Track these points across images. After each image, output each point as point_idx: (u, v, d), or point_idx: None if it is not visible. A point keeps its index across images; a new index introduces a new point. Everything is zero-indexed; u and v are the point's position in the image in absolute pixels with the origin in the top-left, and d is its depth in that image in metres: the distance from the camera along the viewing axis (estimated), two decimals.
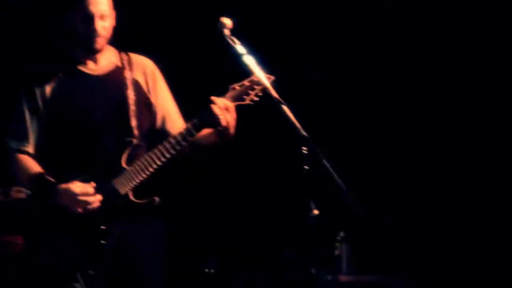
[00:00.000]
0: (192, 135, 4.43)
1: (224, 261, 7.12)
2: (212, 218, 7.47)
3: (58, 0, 4.65)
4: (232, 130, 4.45)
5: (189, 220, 7.19)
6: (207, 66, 6.79)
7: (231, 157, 6.49)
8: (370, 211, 4.35)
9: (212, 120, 4.40)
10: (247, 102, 4.50)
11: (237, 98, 4.50)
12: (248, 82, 4.48)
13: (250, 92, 4.49)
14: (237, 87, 4.51)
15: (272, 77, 4.37)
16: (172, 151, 4.44)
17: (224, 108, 4.41)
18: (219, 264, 7.05)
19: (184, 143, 4.43)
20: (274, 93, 4.20)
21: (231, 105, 4.43)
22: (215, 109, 4.39)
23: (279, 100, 4.16)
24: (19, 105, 4.58)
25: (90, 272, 4.43)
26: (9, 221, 5.95)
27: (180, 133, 4.43)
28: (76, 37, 4.55)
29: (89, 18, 4.47)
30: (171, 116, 4.68)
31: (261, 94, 4.44)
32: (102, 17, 4.49)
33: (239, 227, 7.47)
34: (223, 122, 4.39)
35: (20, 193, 5.99)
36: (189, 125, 4.44)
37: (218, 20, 4.34)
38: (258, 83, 4.41)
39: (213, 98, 4.41)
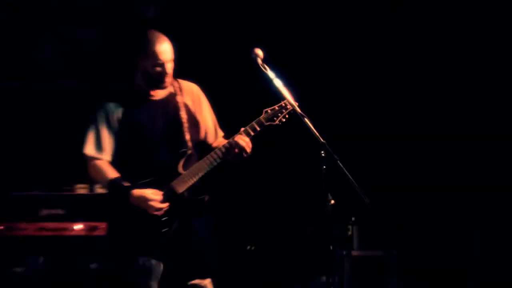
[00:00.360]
0: (222, 157, 4.46)
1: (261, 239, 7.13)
2: (251, 202, 7.34)
3: (136, 49, 4.50)
4: (247, 155, 4.48)
5: (232, 211, 7.08)
6: (245, 86, 6.61)
7: (265, 160, 6.36)
8: (373, 200, 4.17)
9: (233, 153, 4.45)
10: (277, 122, 4.49)
11: (269, 119, 4.50)
12: (278, 107, 4.48)
13: (279, 115, 4.48)
14: (269, 111, 4.51)
15: (296, 103, 4.31)
16: (214, 163, 4.47)
17: (241, 144, 4.43)
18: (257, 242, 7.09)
19: (219, 160, 4.47)
20: (298, 109, 4.23)
21: (247, 139, 4.45)
22: (236, 145, 4.44)
23: (303, 115, 4.18)
24: (97, 121, 4.50)
25: (155, 254, 4.38)
26: (94, 210, 6.04)
27: (215, 152, 4.47)
28: (149, 77, 4.49)
29: (161, 65, 4.45)
30: (211, 132, 4.69)
31: (288, 117, 4.45)
32: (169, 62, 4.49)
33: (271, 213, 7.35)
34: (240, 154, 4.45)
35: (103, 188, 5.97)
36: (221, 148, 4.47)
37: (252, 51, 4.29)
38: (286, 107, 4.45)
39: (236, 139, 4.44)
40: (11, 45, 7.25)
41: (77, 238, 5.97)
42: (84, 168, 4.64)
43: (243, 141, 4.43)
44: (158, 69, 4.44)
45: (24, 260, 5.91)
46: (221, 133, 4.71)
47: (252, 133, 4.46)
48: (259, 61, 4.23)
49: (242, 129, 4.46)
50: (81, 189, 6.15)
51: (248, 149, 4.46)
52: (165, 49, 4.44)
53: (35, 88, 7.31)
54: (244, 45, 4.54)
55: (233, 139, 4.46)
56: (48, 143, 7.10)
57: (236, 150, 4.43)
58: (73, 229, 5.97)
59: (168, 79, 4.51)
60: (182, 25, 6.17)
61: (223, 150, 4.45)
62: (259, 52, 4.24)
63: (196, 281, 4.47)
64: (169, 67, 4.48)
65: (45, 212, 6.01)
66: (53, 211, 6.03)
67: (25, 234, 5.93)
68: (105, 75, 7.11)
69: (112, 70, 7.06)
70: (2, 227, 5.90)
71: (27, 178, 6.52)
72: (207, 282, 4.52)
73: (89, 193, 6.18)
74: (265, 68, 4.22)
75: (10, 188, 6.14)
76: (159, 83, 4.49)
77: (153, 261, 4.37)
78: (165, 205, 4.38)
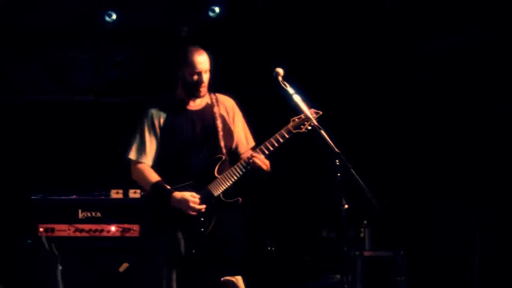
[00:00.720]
0: (242, 171, 4.68)
1: (281, 241, 7.25)
2: (273, 211, 7.56)
3: (177, 60, 4.80)
4: (265, 168, 4.69)
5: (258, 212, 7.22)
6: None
7: (286, 170, 6.51)
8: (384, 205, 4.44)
9: (253, 167, 4.67)
10: (303, 130, 4.68)
11: (296, 127, 4.69)
12: (304, 116, 4.64)
13: (305, 123, 4.67)
14: (296, 119, 4.71)
15: (320, 112, 4.64)
16: (243, 169, 4.70)
17: (257, 163, 4.65)
18: (277, 243, 7.18)
19: (241, 173, 4.69)
20: (315, 122, 4.54)
21: (262, 157, 4.66)
22: (250, 163, 4.67)
23: (319, 127, 4.48)
24: (141, 128, 4.80)
25: (193, 251, 4.61)
26: (128, 213, 6.22)
27: (237, 165, 4.70)
28: (187, 86, 4.79)
29: (198, 74, 4.74)
30: (242, 142, 4.93)
31: (313, 125, 4.57)
32: (205, 72, 4.78)
33: (292, 217, 7.58)
34: (256, 169, 4.68)
35: (135, 194, 6.24)
36: (243, 161, 4.70)
37: (273, 70, 4.58)
38: (307, 118, 4.61)
39: (254, 155, 4.66)
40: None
41: (111, 239, 6.14)
42: (119, 175, 4.94)
43: (258, 159, 4.62)
44: (195, 77, 4.69)
45: (62, 260, 6.05)
46: (252, 143, 4.91)
47: (276, 144, 4.64)
48: (280, 78, 4.52)
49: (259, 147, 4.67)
50: (116, 194, 6.30)
51: (264, 166, 4.65)
52: (201, 59, 4.71)
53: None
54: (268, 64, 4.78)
55: (249, 157, 4.66)
56: (87, 153, 7.42)
57: (250, 165, 4.64)
58: (108, 231, 6.15)
59: (204, 88, 4.76)
60: (215, 42, 6.31)
61: (241, 165, 4.67)
62: (279, 70, 4.53)
63: (228, 278, 4.67)
64: (205, 76, 4.74)
65: (82, 214, 6.17)
66: (90, 214, 6.18)
67: (64, 235, 6.11)
68: (141, 91, 7.44)
69: (148, 86, 7.41)
70: (42, 229, 6.08)
71: (68, 183, 6.73)
72: (238, 278, 4.70)
73: (123, 197, 6.31)
74: (285, 85, 4.51)
75: (49, 193, 6.27)
76: (196, 91, 4.74)
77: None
78: (202, 207, 4.59)
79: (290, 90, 4.53)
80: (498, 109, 6.80)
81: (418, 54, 7.41)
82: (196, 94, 4.79)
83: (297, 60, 7.00)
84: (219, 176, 4.69)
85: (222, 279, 4.67)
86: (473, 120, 6.97)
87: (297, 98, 4.54)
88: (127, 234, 6.18)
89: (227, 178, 4.69)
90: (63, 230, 6.14)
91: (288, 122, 4.71)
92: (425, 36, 7.21)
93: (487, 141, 6.85)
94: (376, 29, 7.30)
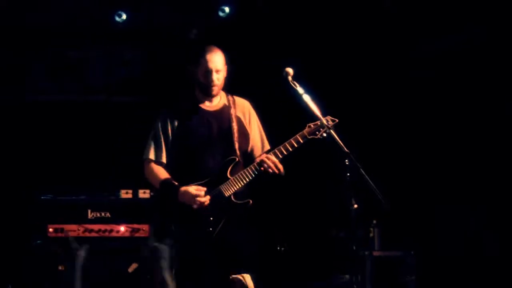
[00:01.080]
0: (255, 173, 4.67)
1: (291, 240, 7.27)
2: (283, 211, 7.55)
3: (191, 59, 4.80)
4: (278, 172, 4.66)
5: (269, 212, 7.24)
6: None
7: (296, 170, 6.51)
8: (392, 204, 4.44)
9: (262, 171, 4.66)
10: (318, 136, 4.64)
11: (312, 133, 4.66)
12: (320, 123, 4.61)
13: (321, 129, 4.62)
14: (312, 126, 4.68)
15: (336, 120, 4.61)
16: (256, 172, 4.68)
17: (269, 165, 4.63)
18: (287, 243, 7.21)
19: (254, 175, 4.68)
20: (325, 122, 4.57)
21: (274, 160, 4.63)
22: (265, 164, 4.63)
23: (329, 127, 4.53)
24: (156, 129, 4.81)
25: (202, 251, 4.62)
26: (137, 213, 6.22)
27: (250, 168, 4.69)
28: (201, 85, 4.80)
29: (208, 72, 4.73)
30: (257, 145, 4.92)
31: (329, 132, 4.55)
32: (217, 71, 4.75)
33: (302, 216, 7.58)
34: (270, 170, 4.64)
35: (145, 194, 6.24)
36: (256, 164, 4.68)
37: (283, 70, 4.57)
38: (328, 123, 4.57)
39: (264, 158, 4.65)
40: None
41: (121, 239, 6.14)
42: (128, 175, 4.94)
43: (271, 161, 4.60)
44: (207, 76, 4.69)
45: (71, 259, 6.06)
46: (267, 147, 4.90)
47: (290, 149, 4.62)
48: (290, 78, 4.52)
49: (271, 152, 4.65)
50: (125, 194, 6.30)
51: (276, 169, 4.62)
52: (214, 58, 4.71)
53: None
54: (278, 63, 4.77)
55: (262, 160, 4.64)
56: (97, 153, 7.41)
57: (262, 169, 4.63)
58: (117, 231, 6.14)
59: (216, 87, 4.75)
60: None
61: (253, 168, 4.66)
62: (289, 70, 4.52)
63: (236, 276, 4.64)
64: (217, 76, 4.73)
65: (92, 215, 6.18)
66: (100, 214, 6.18)
67: (74, 235, 6.10)
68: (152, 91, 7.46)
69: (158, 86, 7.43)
70: (51, 230, 6.08)
71: (77, 183, 6.76)
72: (246, 276, 4.67)
73: (132, 197, 6.30)
74: (295, 85, 4.51)
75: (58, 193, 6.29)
76: (208, 90, 4.74)
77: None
78: (206, 199, 4.56)
79: (300, 90, 4.53)
80: (498, 109, 6.77)
81: (418, 54, 7.38)
82: (208, 93, 4.79)
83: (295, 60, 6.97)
84: (231, 178, 4.69)
85: (231, 277, 4.65)
86: (473, 120, 6.95)
87: (307, 98, 4.53)
88: (137, 234, 6.18)
89: (239, 179, 4.68)
90: (73, 230, 6.14)
91: (301, 124, 4.68)
92: (425, 36, 7.18)
93: (487, 141, 6.83)
94: (376, 29, 7.27)
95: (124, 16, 7.19)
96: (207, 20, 7.32)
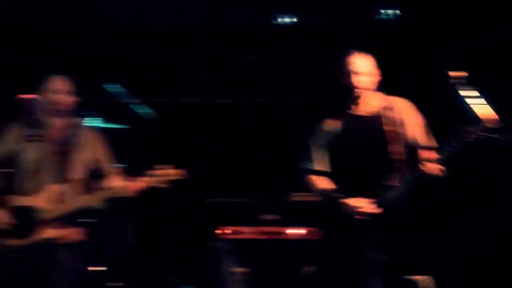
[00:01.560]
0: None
1: None
2: None
3: (340, 67, 4.75)
4: (437, 172, 4.47)
5: None
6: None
7: None
8: None
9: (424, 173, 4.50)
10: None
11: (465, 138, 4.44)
12: (474, 127, 4.41)
13: (479, 134, 4.40)
14: (467, 130, 4.45)
15: (497, 118, 4.41)
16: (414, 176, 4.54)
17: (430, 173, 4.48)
18: None
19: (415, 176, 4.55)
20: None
21: (434, 167, 4.46)
22: (424, 170, 4.49)
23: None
24: (315, 138, 4.86)
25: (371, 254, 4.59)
26: (308, 216, 6.28)
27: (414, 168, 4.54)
28: (349, 90, 4.73)
29: (354, 76, 4.69)
30: (416, 143, 4.67)
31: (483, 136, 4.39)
32: (361, 74, 4.68)
33: None
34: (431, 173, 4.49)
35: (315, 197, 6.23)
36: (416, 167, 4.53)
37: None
38: (481, 129, 4.40)
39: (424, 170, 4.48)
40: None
41: (291, 242, 6.23)
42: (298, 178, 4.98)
43: (431, 170, 4.44)
44: (352, 79, 4.66)
45: (244, 261, 6.19)
46: (429, 143, 4.66)
47: (456, 149, 4.42)
48: (455, 81, 4.45)
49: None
50: (296, 197, 6.39)
51: (434, 172, 4.45)
52: (358, 61, 4.68)
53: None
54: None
55: (420, 163, 4.48)
56: (267, 155, 7.63)
57: (421, 173, 4.48)
58: (288, 234, 6.25)
59: (359, 91, 4.69)
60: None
61: (411, 172, 4.50)
62: (453, 74, 4.42)
63: (417, 277, 4.64)
64: (363, 79, 4.68)
65: (264, 217, 6.33)
66: (271, 216, 6.32)
67: (244, 238, 6.28)
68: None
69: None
70: (229, 231, 6.28)
71: (247, 186, 7.03)
72: (427, 278, 4.70)
73: (302, 200, 6.34)
74: (460, 88, 4.42)
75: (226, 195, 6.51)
76: (352, 94, 4.69)
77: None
78: (369, 209, 4.54)
79: (465, 93, 4.45)
80: None
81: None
82: (355, 97, 4.72)
83: None
84: (387, 183, 4.58)
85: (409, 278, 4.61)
86: None
87: (471, 102, 4.51)
88: (308, 237, 6.23)
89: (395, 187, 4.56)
90: (244, 232, 6.29)
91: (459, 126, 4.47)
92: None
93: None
94: None
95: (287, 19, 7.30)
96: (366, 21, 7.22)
